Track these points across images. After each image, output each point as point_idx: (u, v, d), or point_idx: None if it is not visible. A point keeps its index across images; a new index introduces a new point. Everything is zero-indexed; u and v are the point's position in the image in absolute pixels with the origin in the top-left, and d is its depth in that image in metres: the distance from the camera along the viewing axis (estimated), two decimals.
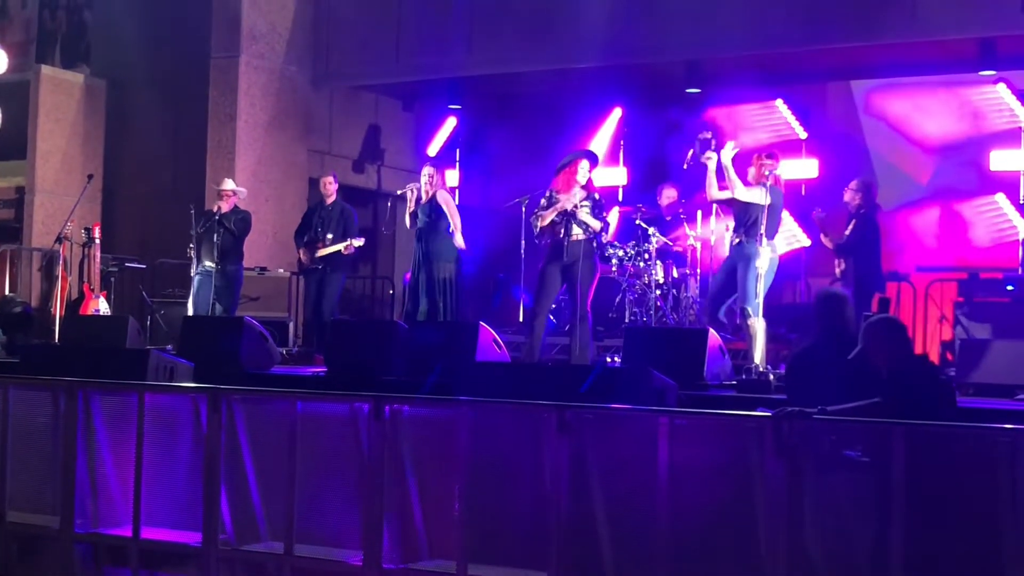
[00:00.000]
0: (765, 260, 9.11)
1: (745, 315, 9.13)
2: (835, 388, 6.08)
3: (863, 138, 13.27)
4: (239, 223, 11.49)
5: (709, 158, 9.39)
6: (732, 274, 9.38)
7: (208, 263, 11.22)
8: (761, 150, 9.84)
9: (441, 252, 10.65)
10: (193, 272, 11.41)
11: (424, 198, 10.71)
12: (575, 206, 9.40)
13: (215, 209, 11.41)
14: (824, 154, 13.04)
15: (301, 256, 11.78)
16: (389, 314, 14.09)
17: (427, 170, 10.87)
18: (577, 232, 9.39)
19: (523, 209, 12.44)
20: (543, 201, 9.61)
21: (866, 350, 6.11)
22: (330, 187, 11.75)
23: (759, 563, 5.45)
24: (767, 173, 9.17)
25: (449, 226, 10.67)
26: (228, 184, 11.64)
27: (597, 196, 9.59)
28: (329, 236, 11.51)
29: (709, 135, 9.59)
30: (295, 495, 6.60)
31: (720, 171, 9.31)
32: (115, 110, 15.07)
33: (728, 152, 9.26)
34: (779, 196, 9.36)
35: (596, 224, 9.42)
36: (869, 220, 10.50)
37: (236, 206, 11.57)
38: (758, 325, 9.04)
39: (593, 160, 9.77)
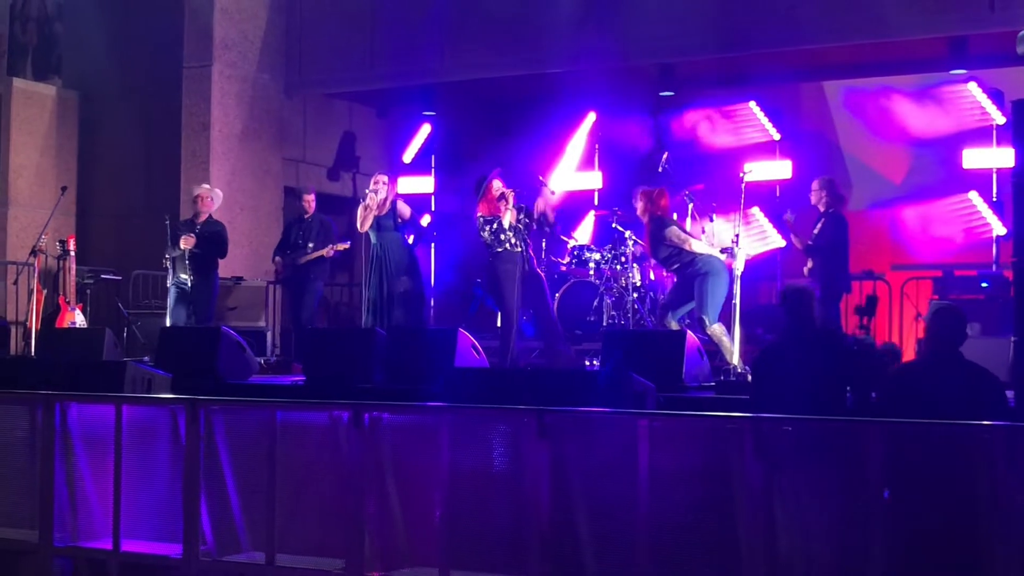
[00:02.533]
0: (740, 262, 9.33)
1: (703, 325, 9.32)
2: (800, 383, 6.13)
3: (836, 138, 13.35)
4: (216, 237, 11.48)
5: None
6: (686, 285, 9.58)
7: (183, 275, 11.19)
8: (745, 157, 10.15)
9: (406, 263, 10.69)
10: (169, 283, 11.38)
11: (383, 207, 10.67)
12: (518, 221, 9.87)
13: (194, 219, 11.38)
14: (797, 155, 13.09)
15: (276, 267, 11.79)
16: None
17: (383, 178, 10.83)
18: (521, 245, 9.86)
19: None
20: (486, 235, 9.96)
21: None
22: (311, 203, 11.82)
23: (739, 564, 5.46)
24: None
25: (406, 234, 10.76)
26: (203, 186, 11.63)
27: (522, 206, 9.98)
28: (310, 246, 11.52)
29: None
30: (276, 505, 6.57)
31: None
32: (88, 122, 15.02)
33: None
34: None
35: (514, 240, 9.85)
36: (837, 219, 10.55)
37: (211, 216, 11.54)
38: (718, 330, 9.22)
39: (500, 174, 10.03)
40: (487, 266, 10.11)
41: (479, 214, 10.05)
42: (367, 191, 10.77)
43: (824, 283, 10.34)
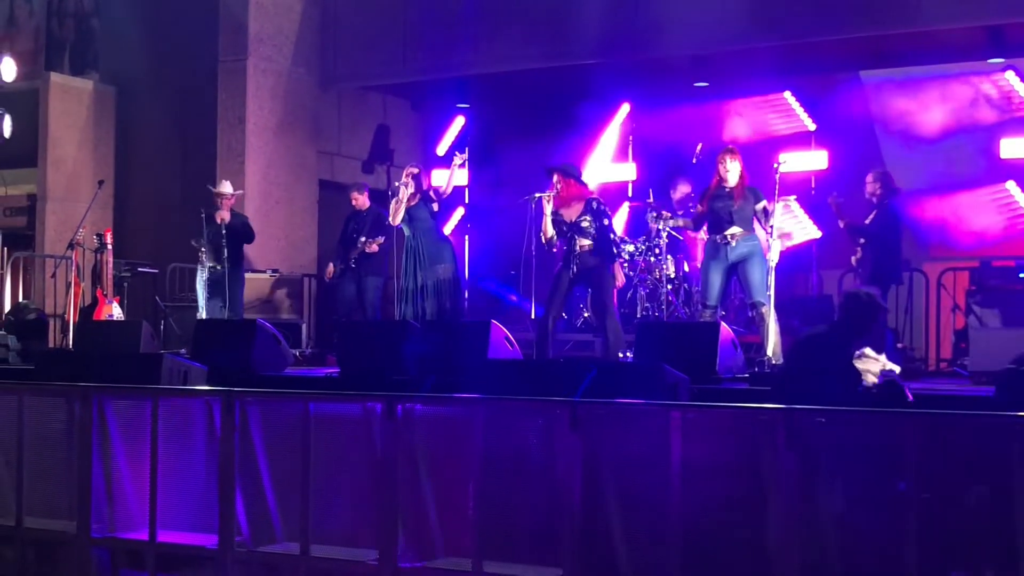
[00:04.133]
0: (775, 253, 9.15)
1: (759, 307, 9.17)
2: (832, 378, 6.10)
3: (872, 128, 13.24)
4: (244, 229, 11.62)
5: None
6: (730, 273, 9.42)
7: (216, 267, 11.28)
8: (780, 148, 9.91)
9: (441, 253, 10.67)
10: (200, 276, 11.48)
11: (411, 200, 10.67)
12: (573, 220, 9.52)
13: (219, 220, 11.44)
14: (833, 145, 13.00)
15: (330, 267, 11.81)
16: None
17: (413, 170, 10.83)
18: (583, 243, 9.46)
19: (532, 206, 12.45)
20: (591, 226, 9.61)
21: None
22: (358, 199, 11.81)
23: (771, 557, 5.45)
24: (777, 169, 9.28)
25: (441, 226, 10.73)
26: (227, 188, 11.68)
27: (596, 204, 9.60)
28: (362, 240, 11.54)
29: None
30: (310, 496, 6.61)
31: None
32: (124, 116, 15.13)
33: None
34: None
35: (587, 242, 9.47)
36: (891, 210, 10.46)
37: (233, 209, 11.63)
38: (771, 317, 9.09)
39: (560, 171, 9.75)
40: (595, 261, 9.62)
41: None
42: (397, 184, 10.80)
43: (873, 272, 10.26)
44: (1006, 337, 8.44)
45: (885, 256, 10.36)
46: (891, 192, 10.53)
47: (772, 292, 9.08)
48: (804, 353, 6.77)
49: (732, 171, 9.40)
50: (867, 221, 10.49)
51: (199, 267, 11.61)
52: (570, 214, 9.53)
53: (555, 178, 9.64)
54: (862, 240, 10.47)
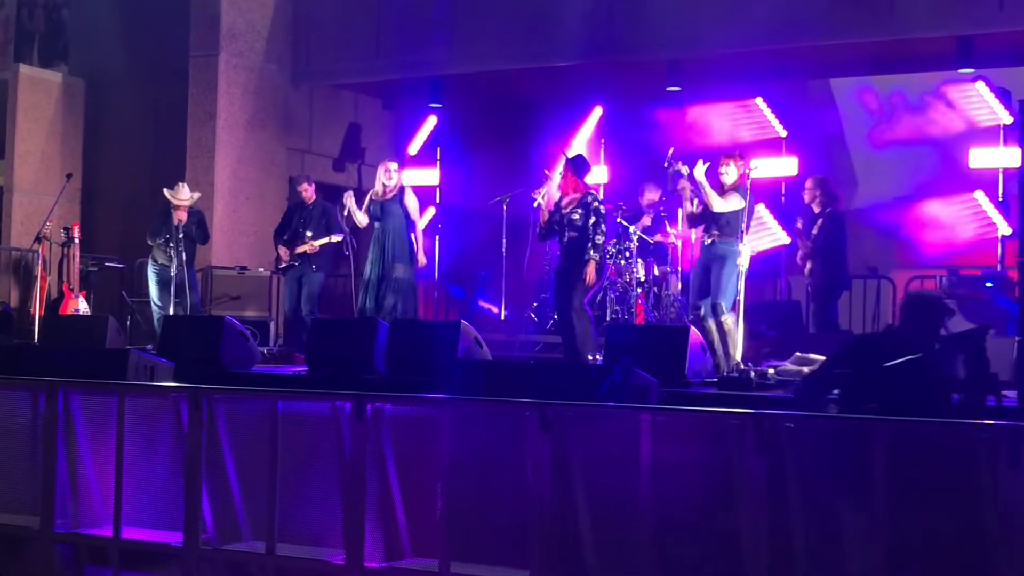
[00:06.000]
0: (745, 258, 9.18)
1: (719, 312, 9.21)
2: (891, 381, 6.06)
3: (843, 136, 13.32)
4: (199, 229, 11.69)
5: (683, 188, 9.49)
6: (709, 273, 9.44)
7: (168, 263, 11.27)
8: (729, 151, 9.89)
9: (404, 252, 10.68)
10: (154, 273, 11.46)
11: (386, 193, 10.69)
12: (563, 209, 9.52)
13: (176, 221, 11.37)
14: (804, 152, 13.06)
15: (280, 254, 11.77)
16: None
17: (393, 165, 10.88)
18: (571, 235, 9.48)
19: (504, 208, 12.48)
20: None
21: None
22: (308, 191, 11.80)
23: (740, 560, 5.46)
24: (749, 174, 9.24)
25: (411, 227, 10.74)
26: (184, 193, 11.57)
27: (589, 199, 9.60)
28: (309, 234, 11.51)
29: (679, 166, 9.59)
30: (277, 494, 6.57)
31: (697, 190, 9.37)
32: (94, 109, 15.02)
33: (700, 169, 9.29)
34: (750, 196, 9.42)
35: (574, 234, 9.48)
36: (834, 218, 10.55)
37: (190, 208, 11.59)
38: (731, 321, 9.12)
39: (568, 162, 9.77)
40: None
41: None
42: (387, 172, 10.78)
43: (825, 282, 10.37)
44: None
45: (834, 265, 10.50)
46: (832, 199, 10.64)
47: (741, 297, 9.12)
48: (866, 357, 6.63)
49: (727, 175, 9.43)
50: (813, 231, 10.57)
51: (150, 262, 11.56)
52: (565, 205, 9.58)
53: (559, 166, 9.69)
54: (811, 253, 10.57)
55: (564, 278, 9.55)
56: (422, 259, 10.97)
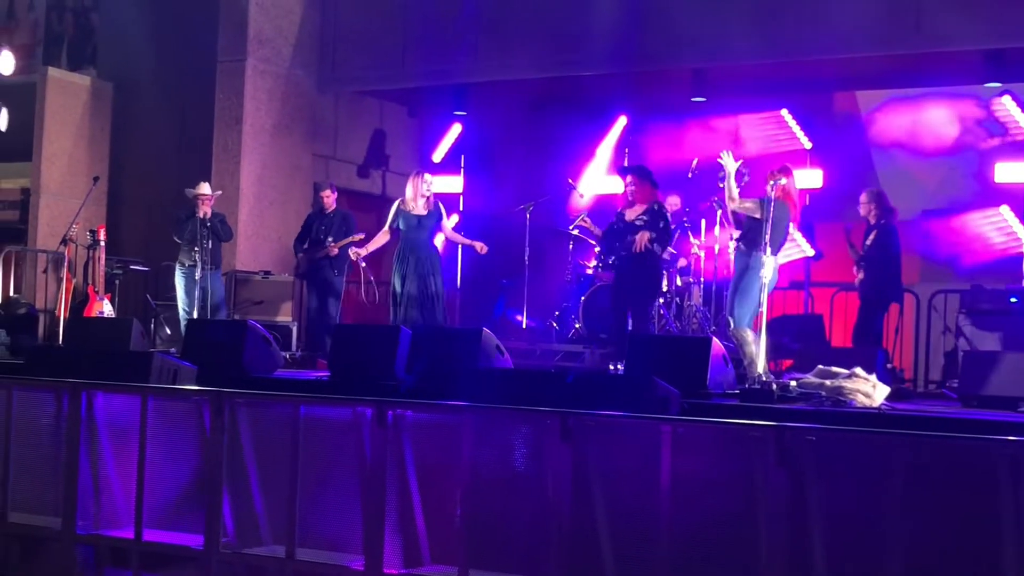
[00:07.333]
0: (769, 270, 9.10)
1: (732, 322, 9.17)
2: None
3: (868, 148, 13.28)
4: (223, 225, 11.72)
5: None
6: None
7: (197, 270, 11.29)
8: (774, 164, 9.80)
9: (436, 264, 10.70)
10: (182, 276, 11.49)
11: (423, 207, 10.70)
12: (631, 220, 9.72)
13: (201, 214, 11.43)
14: (828, 164, 13.05)
15: (298, 263, 11.83)
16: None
17: (430, 177, 10.89)
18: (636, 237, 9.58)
19: (527, 216, 12.48)
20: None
21: None
22: (329, 198, 11.83)
23: (760, 574, 5.44)
24: (770, 186, 9.16)
25: (434, 238, 10.78)
26: (205, 188, 11.65)
27: (657, 207, 9.67)
28: (330, 240, 11.54)
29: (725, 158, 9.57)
30: (297, 499, 6.59)
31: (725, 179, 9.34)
32: (121, 113, 15.10)
33: (729, 158, 9.24)
34: (784, 210, 9.27)
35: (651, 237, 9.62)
36: (889, 230, 10.52)
37: (212, 209, 11.65)
38: (746, 335, 9.07)
39: (635, 173, 9.87)
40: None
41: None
42: (423, 185, 10.77)
43: (874, 292, 10.36)
44: (996, 361, 8.46)
45: (885, 276, 10.45)
46: (887, 211, 10.60)
47: (764, 309, 9.06)
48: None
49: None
50: (867, 243, 10.55)
51: (178, 266, 11.60)
52: (632, 214, 9.61)
53: (628, 179, 9.72)
54: (863, 263, 10.54)
55: (630, 283, 9.57)
56: (481, 245, 10.97)
